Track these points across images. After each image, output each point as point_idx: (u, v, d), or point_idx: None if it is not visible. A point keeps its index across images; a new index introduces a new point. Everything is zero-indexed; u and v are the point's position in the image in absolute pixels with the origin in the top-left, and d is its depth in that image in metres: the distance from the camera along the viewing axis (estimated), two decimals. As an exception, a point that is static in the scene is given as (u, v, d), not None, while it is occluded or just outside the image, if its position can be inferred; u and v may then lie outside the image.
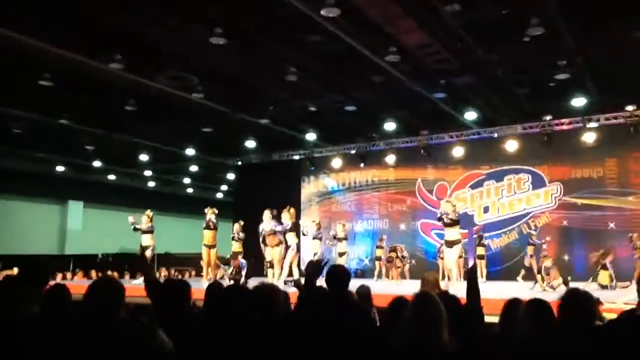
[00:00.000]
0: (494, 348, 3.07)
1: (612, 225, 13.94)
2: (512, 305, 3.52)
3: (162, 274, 18.95)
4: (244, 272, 12.38)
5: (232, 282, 11.81)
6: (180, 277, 16.47)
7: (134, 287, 7.26)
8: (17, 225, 21.48)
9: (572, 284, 10.11)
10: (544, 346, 2.77)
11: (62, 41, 10.17)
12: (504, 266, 15.05)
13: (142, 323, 2.92)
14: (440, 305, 2.84)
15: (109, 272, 17.51)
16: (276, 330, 2.85)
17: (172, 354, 2.70)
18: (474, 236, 14.12)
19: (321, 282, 3.67)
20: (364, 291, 4.80)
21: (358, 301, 4.20)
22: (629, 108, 13.75)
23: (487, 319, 3.75)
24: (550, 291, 10.60)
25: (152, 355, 2.64)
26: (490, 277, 14.04)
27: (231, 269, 12.72)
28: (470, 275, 4.12)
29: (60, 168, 21.40)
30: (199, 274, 18.41)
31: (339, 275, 3.78)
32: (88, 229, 24.73)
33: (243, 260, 12.66)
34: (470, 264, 13.93)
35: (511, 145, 14.90)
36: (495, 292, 9.30)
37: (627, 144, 14.03)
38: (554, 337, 2.85)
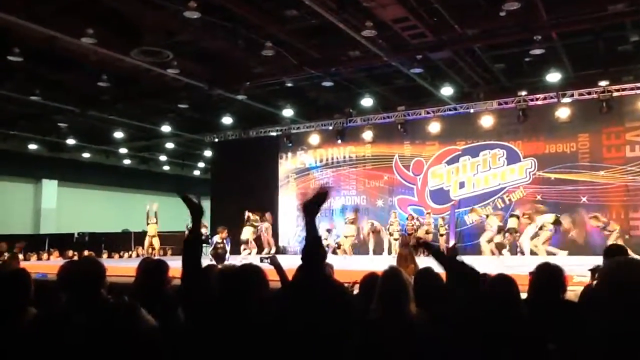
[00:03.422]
0: (462, 320, 3.14)
1: (584, 199, 14.23)
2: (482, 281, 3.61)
3: (140, 252, 18.84)
4: (228, 248, 13.37)
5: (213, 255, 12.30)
6: (157, 255, 16.41)
7: (113, 267, 7.20)
8: (-11, 205, 21.13)
9: (546, 258, 10.30)
10: (506, 319, 2.83)
11: (31, 15, 9.89)
12: (478, 241, 15.25)
13: (126, 302, 2.91)
14: (404, 280, 2.94)
15: (86, 252, 17.37)
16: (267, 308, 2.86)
17: (156, 332, 2.70)
18: (455, 210, 14.33)
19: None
20: (327, 268, 4.87)
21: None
22: (602, 84, 13.93)
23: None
24: None
25: (137, 335, 2.64)
26: (466, 251, 14.25)
27: (217, 240, 13.10)
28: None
29: (33, 146, 21.03)
30: (176, 253, 18.46)
31: (316, 252, 3.79)
32: (63, 207, 24.41)
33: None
34: (451, 240, 14.19)
35: (487, 121, 15.02)
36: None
37: (599, 120, 14.25)
38: (516, 311, 2.93)
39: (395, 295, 2.90)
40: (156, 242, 15.98)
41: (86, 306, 2.66)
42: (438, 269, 3.55)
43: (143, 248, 16.79)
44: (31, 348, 2.67)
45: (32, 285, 3.18)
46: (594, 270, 4.20)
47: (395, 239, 14.82)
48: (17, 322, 2.87)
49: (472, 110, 15.73)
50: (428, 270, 3.65)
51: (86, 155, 23.06)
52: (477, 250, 14.47)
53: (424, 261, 4.27)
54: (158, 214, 16.22)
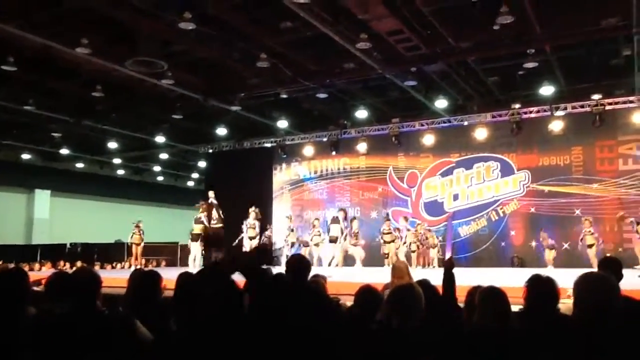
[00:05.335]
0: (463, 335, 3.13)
1: (577, 211, 14.26)
2: (474, 293, 3.59)
3: (133, 263, 18.71)
4: None
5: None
6: (149, 266, 16.32)
7: (105, 277, 7.14)
8: (-19, 215, 20.98)
9: (538, 270, 10.29)
10: (495, 334, 2.82)
11: (26, 24, 9.89)
12: (472, 253, 15.30)
13: (121, 314, 2.88)
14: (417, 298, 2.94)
15: (79, 262, 17.22)
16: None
17: (152, 344, 2.67)
18: (452, 222, 14.33)
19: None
20: (320, 280, 4.83)
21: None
22: (595, 97, 14.03)
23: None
24: None
25: (133, 346, 2.61)
26: (460, 263, 14.23)
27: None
28: (447, 266, 4.18)
29: (26, 156, 20.92)
30: (170, 264, 18.37)
31: (299, 263, 3.78)
32: (56, 218, 24.26)
33: None
34: (448, 253, 14.20)
35: (481, 133, 15.08)
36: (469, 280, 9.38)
37: (592, 133, 14.32)
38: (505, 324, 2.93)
39: (407, 312, 2.89)
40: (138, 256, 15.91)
41: (81, 317, 2.63)
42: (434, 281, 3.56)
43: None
44: (28, 352, 2.64)
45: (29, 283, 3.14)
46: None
47: (413, 251, 14.55)
48: (16, 321, 2.82)
49: (466, 123, 15.79)
50: (425, 283, 3.63)
51: (80, 165, 22.96)
52: (472, 262, 14.50)
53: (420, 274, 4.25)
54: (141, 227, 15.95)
